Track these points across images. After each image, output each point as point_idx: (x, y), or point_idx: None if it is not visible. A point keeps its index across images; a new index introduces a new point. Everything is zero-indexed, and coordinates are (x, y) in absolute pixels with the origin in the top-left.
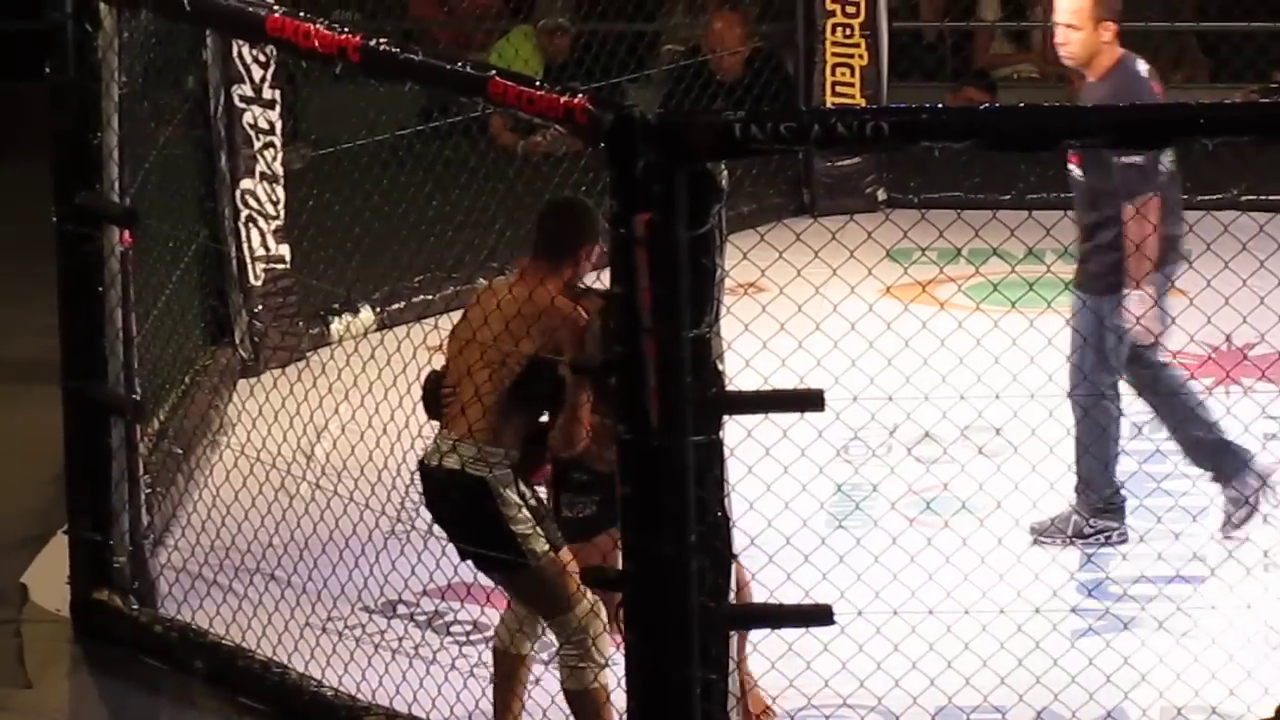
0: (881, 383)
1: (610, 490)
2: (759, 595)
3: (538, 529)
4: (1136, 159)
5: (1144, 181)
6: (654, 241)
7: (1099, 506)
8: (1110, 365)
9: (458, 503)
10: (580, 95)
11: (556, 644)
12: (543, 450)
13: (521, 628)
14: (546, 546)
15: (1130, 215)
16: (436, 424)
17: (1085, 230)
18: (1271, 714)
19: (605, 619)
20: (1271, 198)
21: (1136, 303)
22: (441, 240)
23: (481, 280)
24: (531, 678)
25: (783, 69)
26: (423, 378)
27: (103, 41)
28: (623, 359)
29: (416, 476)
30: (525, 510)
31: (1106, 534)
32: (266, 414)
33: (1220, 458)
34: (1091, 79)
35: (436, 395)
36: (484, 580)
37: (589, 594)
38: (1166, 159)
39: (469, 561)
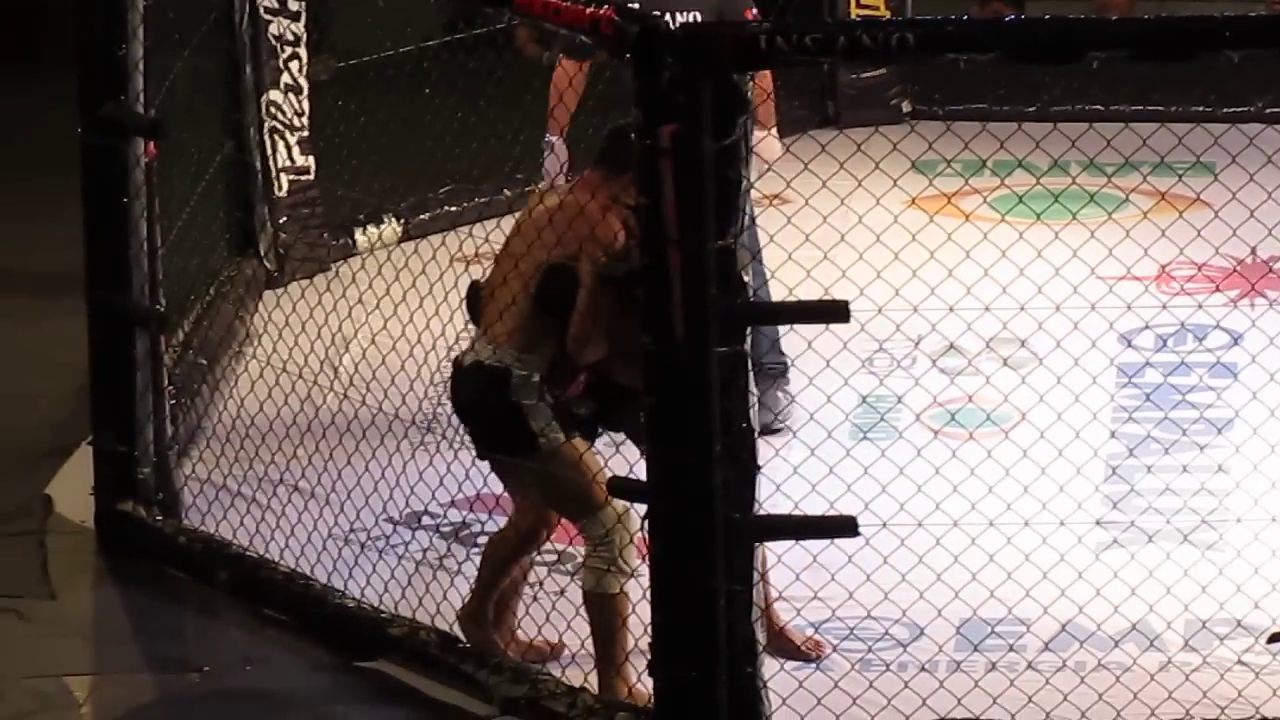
0: (906, 294)
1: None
2: (783, 507)
3: (557, 424)
4: None
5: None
6: (679, 153)
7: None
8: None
9: (479, 391)
10: (606, 6)
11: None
12: (572, 363)
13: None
14: (564, 438)
15: None
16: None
17: None
18: None
19: (634, 528)
20: None
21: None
22: (467, 151)
23: (507, 191)
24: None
25: None
26: (459, 288)
27: None
28: (648, 270)
29: (444, 385)
30: (545, 406)
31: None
32: (292, 325)
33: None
34: None
35: (476, 300)
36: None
37: (618, 503)
38: None
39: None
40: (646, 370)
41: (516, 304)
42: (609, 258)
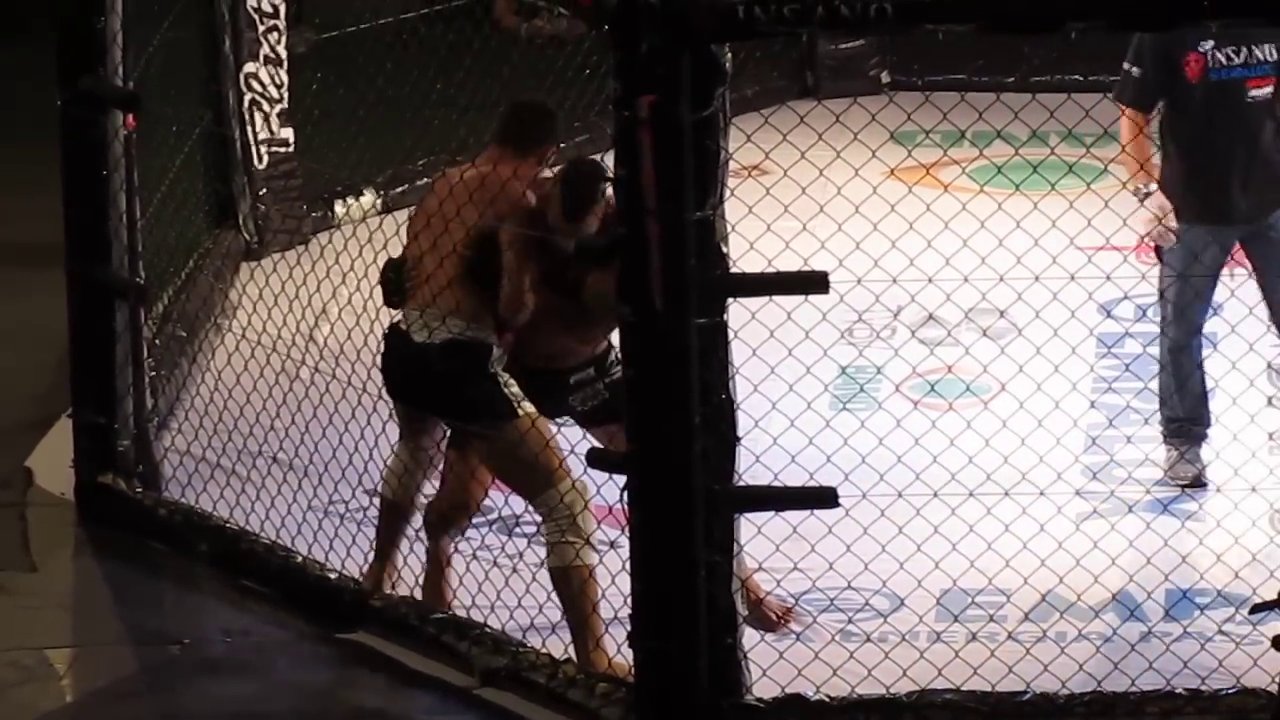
0: (885, 265)
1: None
2: (763, 478)
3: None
4: (1126, 64)
5: (1120, 88)
6: (658, 124)
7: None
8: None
9: (451, 364)
10: None
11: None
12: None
13: (406, 474)
14: (534, 412)
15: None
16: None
17: None
18: (1276, 596)
19: (588, 497)
20: None
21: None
22: (445, 123)
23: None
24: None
25: None
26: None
27: None
28: (627, 241)
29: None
30: (513, 379)
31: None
32: (269, 297)
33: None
34: None
35: (397, 284)
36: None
37: (572, 471)
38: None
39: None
40: (625, 341)
41: (454, 278)
42: (521, 218)
